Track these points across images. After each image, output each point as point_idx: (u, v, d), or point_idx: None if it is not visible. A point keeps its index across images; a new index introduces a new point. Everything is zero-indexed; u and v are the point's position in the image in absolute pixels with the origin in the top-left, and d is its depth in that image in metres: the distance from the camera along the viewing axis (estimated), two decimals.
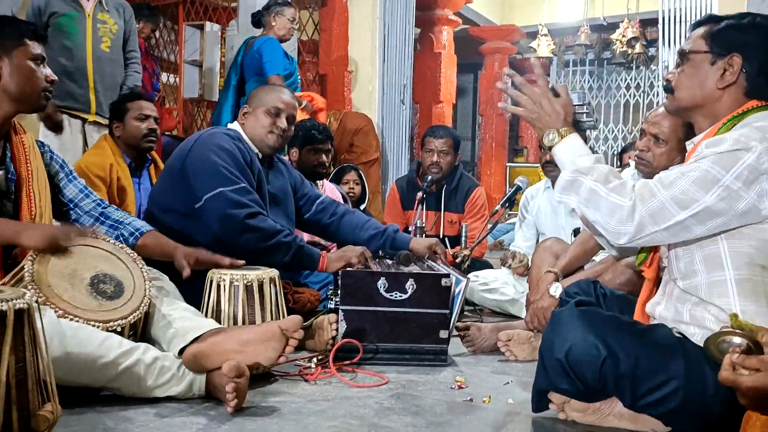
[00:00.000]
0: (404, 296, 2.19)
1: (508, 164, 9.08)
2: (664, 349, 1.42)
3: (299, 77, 4.44)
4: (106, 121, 3.32)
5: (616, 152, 9.27)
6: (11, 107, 1.89)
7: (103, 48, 3.48)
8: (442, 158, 3.51)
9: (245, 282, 2.01)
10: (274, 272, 2.10)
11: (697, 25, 1.60)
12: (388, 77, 5.87)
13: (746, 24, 1.52)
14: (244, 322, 1.98)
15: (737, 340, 1.07)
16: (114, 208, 2.19)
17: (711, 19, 1.58)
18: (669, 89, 1.61)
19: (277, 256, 2.33)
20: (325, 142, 3.40)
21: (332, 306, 2.26)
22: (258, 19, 4.24)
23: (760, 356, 1.01)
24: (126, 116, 2.96)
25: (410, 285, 2.19)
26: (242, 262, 2.12)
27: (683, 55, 1.58)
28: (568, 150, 1.55)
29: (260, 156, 2.50)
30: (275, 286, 2.09)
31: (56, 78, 1.97)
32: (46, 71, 1.92)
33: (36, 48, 1.90)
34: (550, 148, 1.59)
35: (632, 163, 2.79)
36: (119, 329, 1.68)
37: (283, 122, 2.49)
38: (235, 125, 2.53)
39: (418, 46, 7.72)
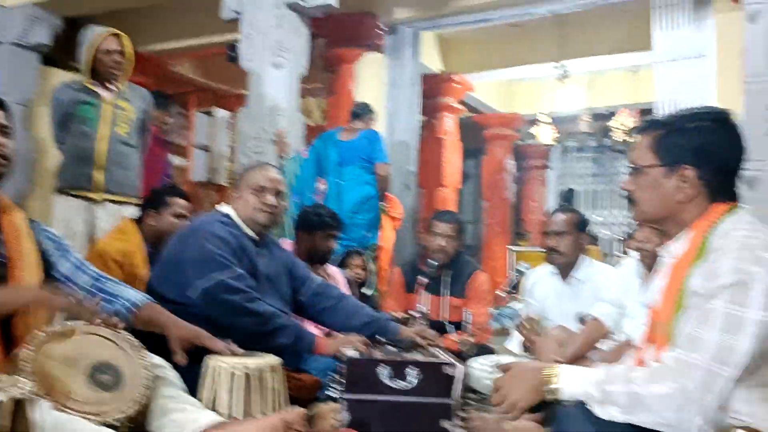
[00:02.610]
0: (408, 385, 2.15)
1: (511, 248, 9.09)
2: None
3: None
4: (116, 199, 3.47)
5: (618, 238, 9.30)
6: None
7: (119, 132, 3.59)
8: (448, 243, 3.53)
9: (245, 371, 1.98)
10: (275, 360, 2.07)
11: (641, 130, 1.55)
12: (394, 163, 5.97)
13: (691, 128, 1.47)
14: (243, 414, 1.94)
15: None
16: (111, 281, 2.15)
17: (653, 126, 1.53)
18: (631, 200, 1.56)
19: (276, 339, 2.32)
20: (337, 229, 3.47)
21: (332, 394, 2.22)
22: (359, 114, 4.78)
23: None
24: (163, 209, 3.03)
25: (414, 373, 2.15)
26: (241, 351, 2.09)
27: (635, 167, 1.53)
28: (572, 377, 1.44)
29: (254, 238, 2.52)
30: (276, 374, 2.06)
31: (10, 148, 1.90)
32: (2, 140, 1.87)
33: None
34: (556, 399, 1.45)
35: (632, 253, 2.81)
36: (116, 423, 1.64)
37: (269, 198, 2.51)
38: (226, 208, 2.56)
39: (423, 132, 7.90)
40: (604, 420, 1.39)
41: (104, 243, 3.01)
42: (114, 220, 3.43)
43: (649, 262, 2.29)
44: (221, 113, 5.91)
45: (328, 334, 2.71)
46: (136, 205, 3.49)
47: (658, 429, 1.34)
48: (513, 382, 1.49)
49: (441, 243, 3.51)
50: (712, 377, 1.30)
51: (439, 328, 3.41)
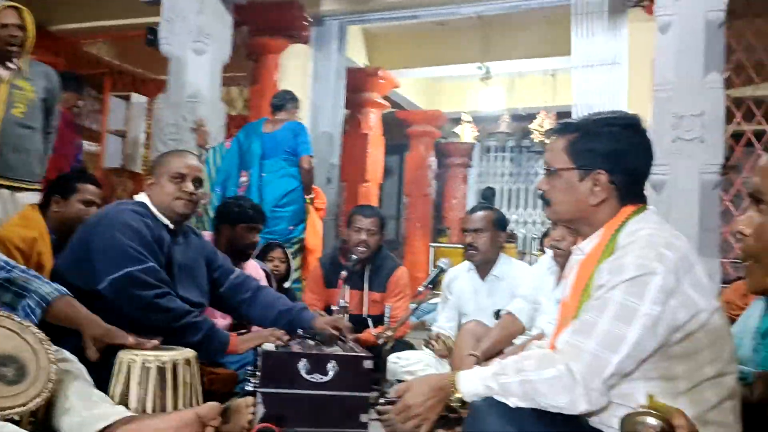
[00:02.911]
0: (325, 378, 2.14)
1: (431, 244, 9.21)
2: None
3: None
4: (11, 185, 3.27)
5: (534, 236, 9.60)
6: None
7: (15, 113, 3.38)
8: (369, 237, 3.53)
9: (158, 364, 1.92)
10: (189, 353, 2.02)
11: (556, 133, 1.59)
12: (317, 156, 5.93)
13: (604, 133, 1.51)
14: (155, 408, 1.88)
15: (652, 421, 1.08)
16: (21, 271, 2.02)
17: (568, 129, 1.57)
18: (545, 200, 1.61)
19: (187, 336, 2.25)
20: (259, 222, 3.39)
21: (250, 388, 2.19)
22: (281, 105, 4.58)
23: None
24: (71, 195, 2.86)
25: (332, 367, 2.15)
26: (155, 342, 2.02)
27: (550, 169, 1.57)
28: (469, 379, 1.49)
29: (170, 227, 2.45)
30: (191, 368, 2.01)
31: None
32: None
33: None
34: (462, 403, 1.49)
35: (547, 251, 2.90)
36: (17, 417, 1.56)
37: (189, 186, 2.44)
38: (142, 196, 2.48)
39: (346, 126, 7.89)
40: (508, 412, 1.43)
41: (5, 230, 2.83)
42: (10, 207, 3.25)
43: (563, 260, 2.37)
44: (138, 98, 5.71)
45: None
46: (38, 190, 3.31)
47: (556, 411, 1.40)
48: (414, 401, 1.52)
49: (362, 237, 3.50)
50: (598, 362, 1.36)
51: (360, 322, 3.42)
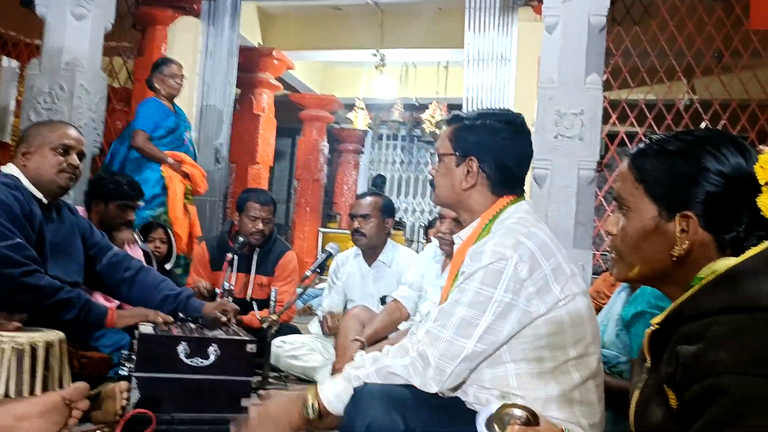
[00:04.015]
0: (206, 362, 2.09)
1: (321, 229, 9.20)
2: (460, 423, 1.47)
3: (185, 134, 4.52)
4: None
5: (422, 225, 9.80)
6: None
7: None
8: (265, 226, 3.48)
9: (14, 345, 1.78)
10: (54, 335, 1.89)
11: (448, 122, 1.71)
12: (204, 135, 5.75)
13: (479, 125, 1.62)
14: (17, 393, 1.75)
15: (518, 412, 1.15)
16: None
17: (456, 119, 1.68)
18: (432, 184, 1.71)
19: (61, 314, 2.15)
20: (135, 199, 3.24)
21: (125, 373, 2.09)
22: (148, 81, 4.45)
23: (536, 427, 1.11)
24: None
25: (213, 351, 2.09)
26: (15, 324, 1.88)
27: (437, 155, 1.68)
28: (327, 385, 1.50)
29: (44, 201, 2.29)
30: (55, 350, 1.88)
31: None
32: None
33: None
34: (320, 414, 1.48)
35: (435, 240, 2.97)
36: None
37: (74, 159, 2.32)
38: (11, 168, 2.30)
39: (237, 106, 7.69)
40: (390, 397, 1.45)
41: None
42: None
43: (450, 248, 2.44)
44: (9, 63, 5.29)
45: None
46: None
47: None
48: (265, 423, 1.50)
49: (258, 227, 3.44)
50: (452, 348, 1.44)
51: (246, 306, 3.36)
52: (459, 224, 2.25)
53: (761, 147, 5.28)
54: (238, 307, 2.57)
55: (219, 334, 2.25)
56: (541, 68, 3.70)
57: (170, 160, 4.31)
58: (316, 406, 1.47)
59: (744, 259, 0.96)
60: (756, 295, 0.91)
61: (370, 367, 1.49)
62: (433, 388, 1.46)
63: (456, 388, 1.54)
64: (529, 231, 1.50)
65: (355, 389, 1.51)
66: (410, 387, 1.51)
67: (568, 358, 1.49)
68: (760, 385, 0.82)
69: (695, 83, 5.07)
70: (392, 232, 3.37)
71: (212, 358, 2.09)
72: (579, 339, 1.51)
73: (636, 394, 1.07)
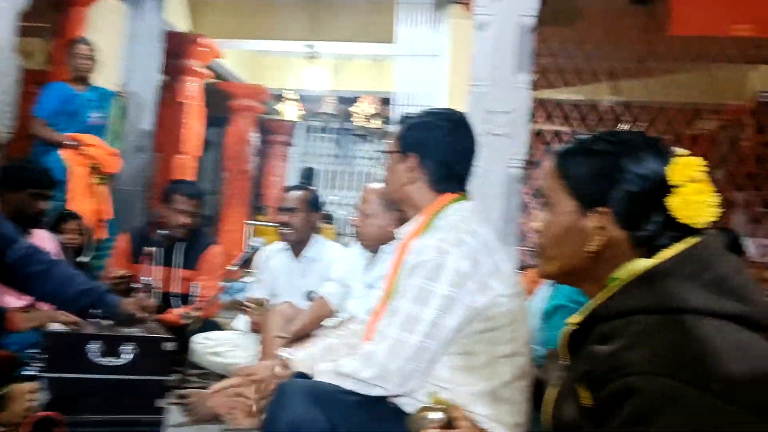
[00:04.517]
0: (120, 361, 2.00)
1: (249, 221, 9.03)
2: (383, 421, 1.46)
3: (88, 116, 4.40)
4: None
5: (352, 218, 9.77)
6: None
7: None
8: (192, 219, 3.37)
9: None
10: None
11: (399, 122, 1.77)
12: (127, 122, 5.53)
13: (420, 123, 1.68)
14: None
15: (436, 415, 1.16)
16: None
17: (403, 119, 1.75)
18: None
19: None
20: (49, 189, 3.07)
21: (32, 373, 1.98)
22: None
23: (453, 431, 1.14)
24: None
25: (127, 349, 2.00)
26: None
27: (389, 152, 1.74)
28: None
29: None
30: None
31: None
32: None
33: None
34: None
35: None
36: None
37: None
38: None
39: (163, 94, 7.43)
40: (313, 393, 1.46)
41: None
42: None
43: (373, 245, 2.44)
44: None
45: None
46: None
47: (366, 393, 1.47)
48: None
49: (184, 220, 3.33)
50: (398, 345, 1.45)
51: (168, 301, 3.25)
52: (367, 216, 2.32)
53: (675, 150, 5.51)
54: (156, 304, 2.47)
55: (135, 331, 2.16)
56: (471, 66, 3.72)
57: (68, 142, 4.21)
58: None
59: (659, 261, 0.98)
60: (669, 296, 0.93)
61: (330, 369, 1.51)
62: (377, 390, 1.46)
63: None
64: (471, 228, 1.53)
65: (279, 384, 1.52)
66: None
67: (500, 354, 1.51)
68: (670, 385, 0.84)
69: (619, 85, 5.22)
70: (322, 226, 3.32)
71: (126, 357, 2.00)
72: (512, 338, 1.53)
73: (553, 392, 1.08)
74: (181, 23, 7.07)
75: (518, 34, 3.61)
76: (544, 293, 2.31)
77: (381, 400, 1.53)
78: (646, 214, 1.01)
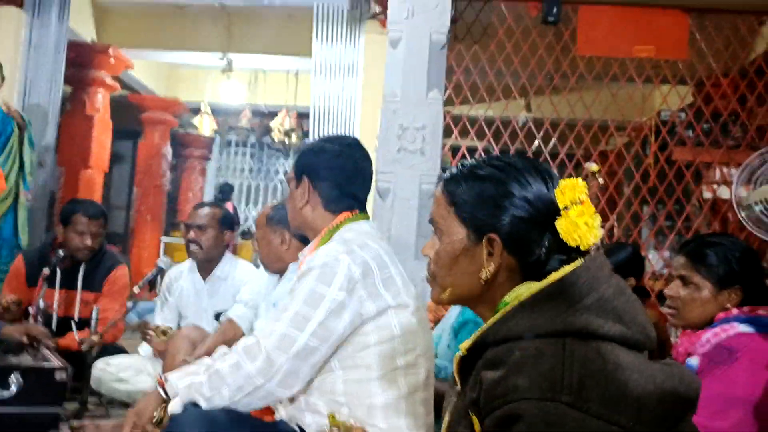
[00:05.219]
0: (7, 393, 1.86)
1: (163, 238, 8.74)
2: None
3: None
4: None
5: None
6: None
7: None
8: (94, 241, 3.22)
9: None
10: None
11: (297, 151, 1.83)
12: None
13: (312, 149, 1.76)
14: None
15: None
16: None
17: (298, 148, 1.81)
18: None
19: None
20: None
21: None
22: None
23: None
24: None
25: (15, 380, 1.87)
26: None
27: (287, 179, 1.81)
28: (177, 381, 1.51)
29: None
30: None
31: None
32: None
33: None
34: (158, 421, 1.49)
35: None
36: None
37: None
38: None
39: (68, 105, 7.11)
40: (210, 422, 1.43)
41: None
42: None
43: (279, 267, 2.41)
44: None
45: None
46: None
47: (240, 398, 1.46)
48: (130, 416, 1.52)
49: (87, 243, 3.18)
50: (286, 340, 1.46)
51: (67, 326, 3.08)
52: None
53: (587, 164, 5.69)
54: (45, 330, 2.32)
55: (24, 360, 2.02)
56: (384, 82, 3.73)
57: None
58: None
59: (545, 285, 0.99)
60: (553, 320, 0.94)
61: (203, 374, 1.48)
62: (258, 381, 1.44)
63: (291, 401, 1.54)
64: (363, 242, 1.57)
65: (173, 416, 1.46)
66: (230, 411, 1.46)
67: (396, 367, 1.52)
68: (554, 409, 0.84)
69: (530, 102, 5.36)
70: (240, 242, 3.24)
71: (14, 388, 1.87)
72: (409, 349, 1.54)
73: (446, 417, 1.07)
74: (87, 32, 6.80)
75: (430, 51, 3.65)
76: (457, 309, 2.32)
77: (280, 425, 1.49)
78: (535, 239, 1.01)
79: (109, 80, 7.23)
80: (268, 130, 9.03)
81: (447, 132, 4.50)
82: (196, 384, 1.47)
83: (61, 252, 3.15)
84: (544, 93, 5.09)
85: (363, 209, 1.74)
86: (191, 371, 1.53)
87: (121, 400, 2.94)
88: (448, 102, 4.34)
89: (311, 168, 1.72)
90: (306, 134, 8.19)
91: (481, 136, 5.02)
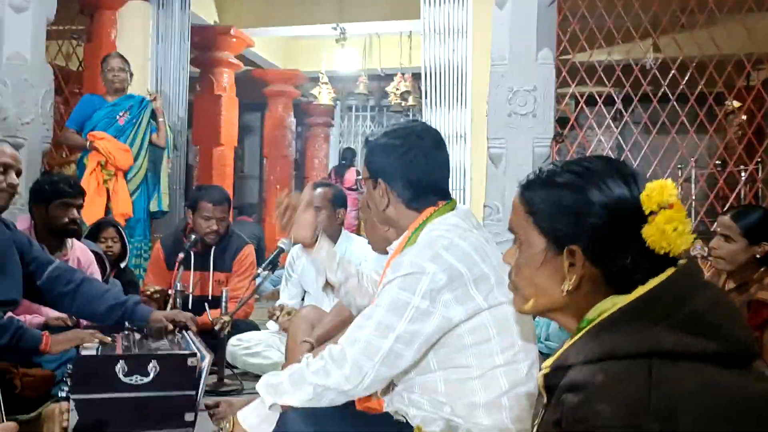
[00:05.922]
0: (146, 379, 2.05)
1: None
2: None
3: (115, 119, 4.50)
4: None
5: None
6: None
7: None
8: (219, 225, 3.42)
9: None
10: None
11: (364, 145, 1.75)
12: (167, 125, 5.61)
13: (379, 146, 1.66)
14: None
15: None
16: None
17: (365, 143, 1.73)
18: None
19: None
20: (76, 197, 3.14)
21: (63, 394, 2.06)
22: None
23: None
24: None
25: (152, 367, 2.05)
26: None
27: (363, 179, 1.73)
28: (245, 413, 1.61)
29: None
30: None
31: None
32: None
33: None
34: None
35: None
36: None
37: (12, 178, 2.30)
38: None
39: (198, 87, 7.52)
40: (314, 417, 1.49)
41: None
42: None
43: None
44: None
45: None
46: None
47: (330, 397, 1.50)
48: None
49: (213, 228, 3.40)
50: (370, 348, 1.46)
51: (203, 305, 3.31)
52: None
53: (728, 103, 5.24)
54: (190, 315, 2.51)
55: (161, 347, 2.21)
56: (492, 45, 3.62)
57: (87, 143, 4.38)
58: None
59: (630, 300, 0.93)
60: (639, 340, 0.88)
61: (285, 377, 1.54)
62: (347, 386, 1.47)
63: (386, 391, 1.57)
64: (450, 242, 1.51)
65: (281, 415, 1.54)
66: (336, 405, 1.52)
67: (495, 365, 1.50)
68: None
69: (658, 42, 5.01)
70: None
71: (152, 374, 2.05)
72: (507, 347, 1.52)
73: (534, 429, 1.06)
74: (209, 16, 7.11)
75: (538, 9, 3.49)
76: None
77: (385, 417, 1.54)
78: (619, 248, 0.96)
79: (233, 59, 7.55)
80: (385, 94, 9.07)
81: (564, 83, 4.33)
82: (277, 383, 1.55)
83: (192, 237, 3.38)
84: (669, 31, 4.75)
85: (447, 197, 1.66)
86: (267, 382, 1.59)
87: (254, 372, 3.15)
88: (564, 52, 4.16)
89: (383, 170, 1.64)
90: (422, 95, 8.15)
91: (603, 81, 4.77)
